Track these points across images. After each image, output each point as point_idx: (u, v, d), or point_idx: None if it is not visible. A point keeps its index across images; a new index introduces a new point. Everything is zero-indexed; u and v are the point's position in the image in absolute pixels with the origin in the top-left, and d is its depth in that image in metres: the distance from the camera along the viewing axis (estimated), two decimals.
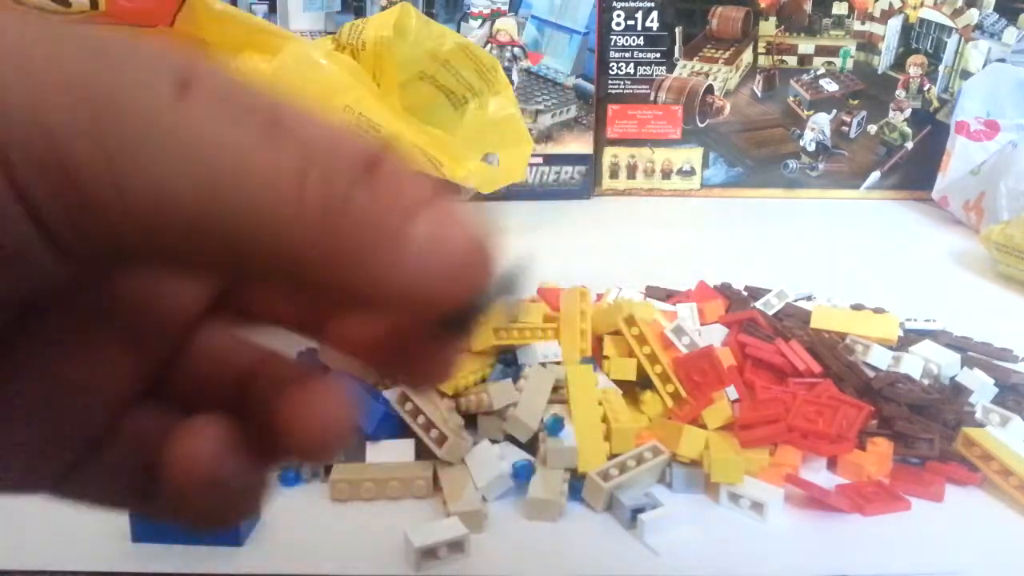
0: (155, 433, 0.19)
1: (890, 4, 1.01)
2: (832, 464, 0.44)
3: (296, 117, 0.16)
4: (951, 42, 1.01)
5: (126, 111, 0.14)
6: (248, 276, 0.16)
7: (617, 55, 1.01)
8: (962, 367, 0.52)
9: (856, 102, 1.03)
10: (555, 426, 0.42)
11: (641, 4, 1.00)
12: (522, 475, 0.41)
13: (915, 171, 1.04)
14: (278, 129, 0.16)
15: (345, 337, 0.20)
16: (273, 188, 0.15)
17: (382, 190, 0.16)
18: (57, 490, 0.19)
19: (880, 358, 0.51)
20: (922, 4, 1.01)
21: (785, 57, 1.02)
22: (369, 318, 0.19)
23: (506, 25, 0.99)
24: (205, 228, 0.14)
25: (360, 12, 0.96)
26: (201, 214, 0.14)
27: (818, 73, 1.03)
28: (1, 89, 0.13)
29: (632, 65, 1.02)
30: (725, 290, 0.63)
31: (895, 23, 1.01)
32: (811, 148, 1.04)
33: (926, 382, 0.50)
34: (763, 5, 1.01)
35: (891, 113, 1.03)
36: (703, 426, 0.45)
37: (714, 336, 0.54)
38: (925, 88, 1.03)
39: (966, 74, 1.02)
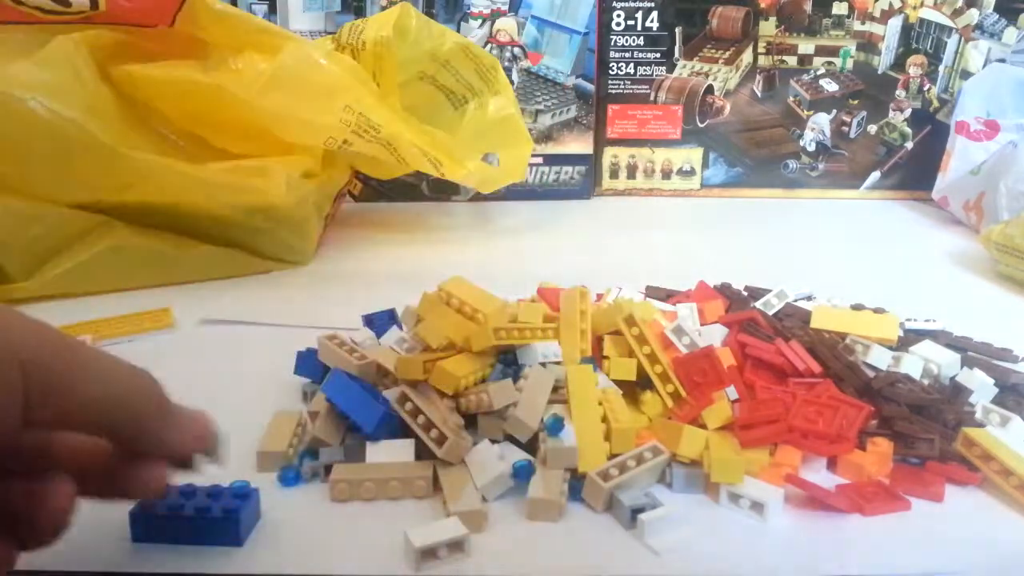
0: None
1: (890, 4, 1.01)
2: (832, 464, 0.44)
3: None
4: (951, 42, 1.01)
5: (75, 351, 0.30)
6: (113, 434, 0.32)
7: (617, 55, 1.01)
8: (962, 367, 0.52)
9: (856, 102, 1.03)
10: (555, 426, 0.42)
11: (641, 4, 1.00)
12: (522, 475, 0.41)
13: (915, 171, 1.04)
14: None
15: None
16: (144, 398, 0.32)
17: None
18: None
19: (880, 358, 0.51)
20: (922, 4, 1.01)
21: (785, 57, 1.02)
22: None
23: (506, 25, 0.99)
24: (107, 416, 0.31)
25: (360, 12, 0.96)
26: (108, 405, 0.31)
27: (818, 73, 1.03)
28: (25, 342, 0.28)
29: (632, 65, 1.02)
30: (725, 290, 0.63)
31: (895, 23, 1.01)
32: (811, 148, 1.04)
33: (926, 382, 0.50)
34: (763, 5, 1.01)
35: (891, 113, 1.03)
36: (703, 426, 0.45)
37: (714, 336, 0.54)
38: (925, 88, 1.03)
39: (966, 74, 1.02)
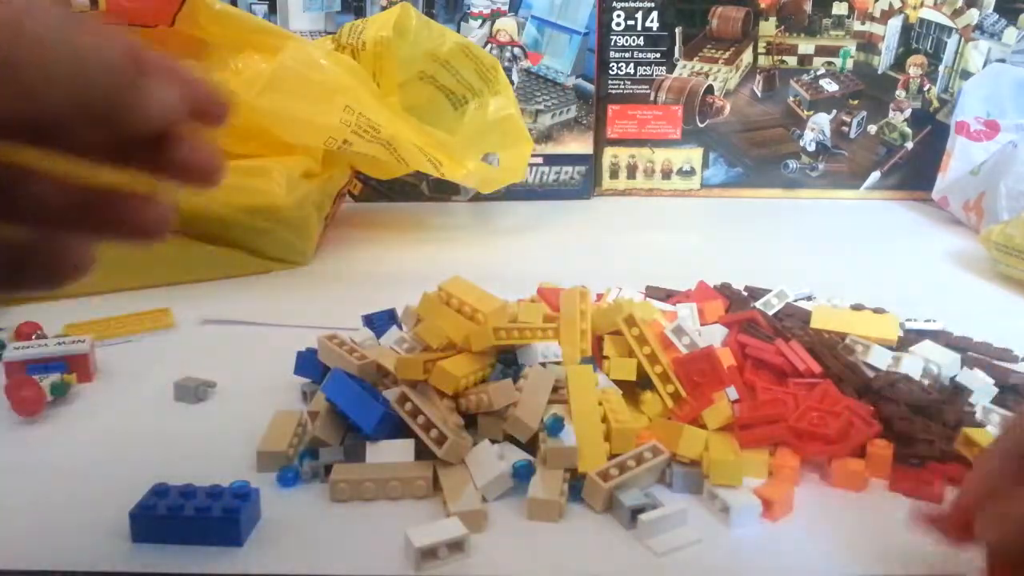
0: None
1: (890, 4, 1.01)
2: (826, 470, 0.44)
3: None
4: (951, 42, 1.01)
5: (26, 33, 0.24)
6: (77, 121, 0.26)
7: (617, 55, 1.01)
8: (962, 367, 0.52)
9: (856, 102, 1.03)
10: (555, 426, 0.42)
11: (641, 4, 1.00)
12: (522, 475, 0.41)
13: (915, 171, 1.04)
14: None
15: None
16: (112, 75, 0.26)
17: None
18: None
19: (880, 358, 0.51)
20: (922, 4, 1.01)
21: (785, 57, 1.02)
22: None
23: (506, 25, 0.99)
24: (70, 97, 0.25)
25: (360, 12, 0.96)
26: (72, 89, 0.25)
27: (818, 73, 1.03)
28: None
29: (632, 65, 1.02)
30: (725, 290, 0.63)
31: (895, 23, 1.01)
32: (811, 148, 1.04)
33: (926, 382, 0.50)
34: (763, 5, 1.01)
35: (891, 113, 1.03)
36: (703, 426, 0.45)
37: (714, 336, 0.54)
38: (925, 88, 1.03)
39: (966, 74, 1.02)
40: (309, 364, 0.51)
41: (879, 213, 1.01)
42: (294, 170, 0.74)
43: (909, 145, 1.04)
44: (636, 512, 0.39)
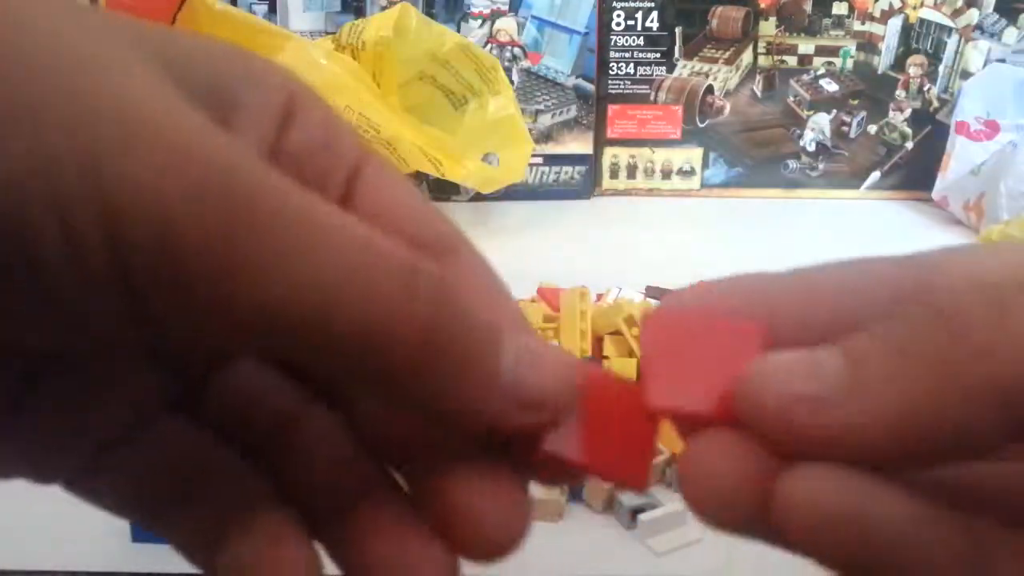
0: (181, 452, 0.19)
1: (890, 4, 1.01)
2: None
3: (379, 178, 0.18)
4: (951, 42, 1.01)
5: (239, 199, 0.13)
6: (332, 370, 0.16)
7: (617, 55, 1.01)
8: None
9: (856, 102, 1.03)
10: None
11: (641, 4, 1.00)
12: None
13: (915, 171, 1.04)
14: (365, 188, 0.18)
15: (308, 450, 0.19)
16: (382, 294, 0.14)
17: (471, 306, 0.16)
18: (71, 486, 0.19)
19: None
20: (922, 4, 1.01)
21: (785, 57, 1.02)
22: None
23: (506, 25, 0.99)
24: (307, 327, 0.14)
25: (360, 12, 0.96)
26: (308, 312, 0.14)
27: (818, 73, 1.03)
28: (131, 170, 0.13)
29: (632, 65, 1.02)
30: None
31: (895, 23, 1.01)
32: (811, 148, 1.04)
33: None
34: (763, 5, 1.01)
35: (891, 113, 1.03)
36: None
37: None
38: (925, 88, 1.03)
39: (966, 74, 1.02)
40: None
41: (879, 213, 1.01)
42: None
43: (909, 145, 1.04)
44: (636, 512, 0.39)
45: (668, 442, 0.43)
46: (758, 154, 1.05)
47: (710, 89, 1.03)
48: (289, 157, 0.17)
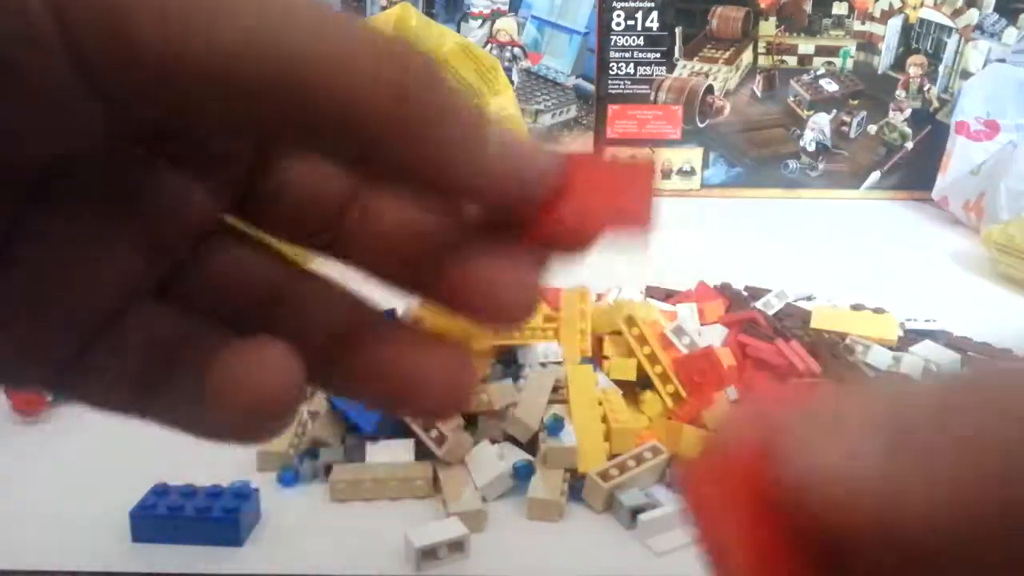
0: (166, 334, 0.18)
1: (890, 4, 1.01)
2: None
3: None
4: (951, 42, 1.01)
5: None
6: (309, 140, 0.15)
7: (617, 55, 1.01)
8: (962, 367, 0.52)
9: (856, 102, 1.03)
10: (555, 426, 0.42)
11: (641, 4, 1.00)
12: (522, 475, 0.41)
13: (915, 171, 1.04)
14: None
15: (371, 243, 0.19)
16: (355, 45, 0.14)
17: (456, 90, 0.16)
18: (54, 383, 0.18)
19: (880, 358, 0.51)
20: (922, 4, 1.01)
21: (785, 57, 1.02)
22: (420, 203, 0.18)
23: (506, 25, 0.99)
24: (276, 78, 0.14)
25: (360, 12, 0.96)
26: (274, 61, 0.14)
27: (818, 73, 1.03)
28: None
29: (632, 65, 1.02)
30: (725, 290, 0.63)
31: (895, 23, 1.01)
32: (811, 148, 1.04)
33: None
34: (763, 5, 1.01)
35: (891, 113, 1.03)
36: (703, 426, 0.45)
37: (714, 336, 0.54)
38: (925, 88, 1.03)
39: (966, 74, 1.02)
40: None
41: (879, 213, 1.01)
42: None
43: (909, 145, 1.04)
44: (636, 512, 0.39)
45: (668, 442, 0.43)
46: (758, 154, 1.05)
47: (710, 89, 1.03)
48: None
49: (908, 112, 1.03)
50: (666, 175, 1.05)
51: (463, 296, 0.18)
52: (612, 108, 1.03)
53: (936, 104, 1.03)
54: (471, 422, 0.45)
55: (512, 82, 0.96)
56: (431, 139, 0.15)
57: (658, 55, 1.01)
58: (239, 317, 0.19)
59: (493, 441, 0.44)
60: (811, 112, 1.03)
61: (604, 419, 0.44)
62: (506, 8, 0.98)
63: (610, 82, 1.02)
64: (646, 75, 1.02)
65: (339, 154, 0.16)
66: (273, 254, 0.20)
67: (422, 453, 0.42)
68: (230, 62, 0.13)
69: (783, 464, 0.14)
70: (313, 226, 0.19)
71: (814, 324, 0.56)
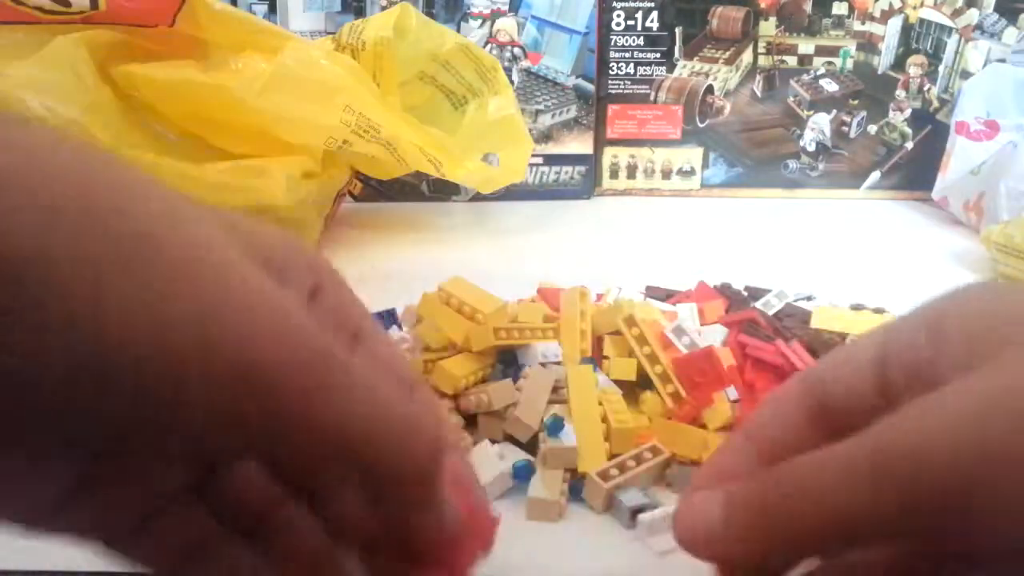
0: (192, 527, 0.22)
1: (890, 4, 1.01)
2: None
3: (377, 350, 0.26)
4: (951, 42, 1.01)
5: (321, 375, 0.20)
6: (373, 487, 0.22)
7: (617, 55, 1.01)
8: None
9: (856, 102, 1.03)
10: (555, 426, 0.42)
11: (641, 4, 1.00)
12: (522, 475, 0.41)
13: (915, 171, 1.04)
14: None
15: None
16: (416, 453, 0.22)
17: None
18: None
19: None
20: (922, 4, 1.01)
21: (785, 57, 1.02)
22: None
23: (506, 25, 0.99)
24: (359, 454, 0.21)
25: (360, 12, 0.96)
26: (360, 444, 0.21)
27: (818, 73, 1.03)
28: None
29: (632, 65, 1.02)
30: (725, 290, 0.63)
31: (895, 23, 1.01)
32: (811, 148, 1.04)
33: None
34: (763, 5, 1.01)
35: (891, 113, 1.03)
36: (703, 426, 0.45)
37: (714, 336, 0.54)
38: (925, 88, 1.03)
39: (966, 74, 1.02)
40: None
41: (879, 213, 1.01)
42: (294, 170, 0.74)
43: (909, 145, 1.04)
44: (636, 512, 0.39)
45: (668, 442, 0.43)
46: (758, 154, 1.05)
47: (710, 89, 1.03)
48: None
49: (908, 112, 1.03)
50: (666, 175, 1.05)
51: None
52: (612, 108, 1.03)
53: (936, 104, 1.03)
54: (471, 422, 0.45)
55: (512, 82, 0.96)
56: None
57: (658, 55, 1.01)
58: (251, 517, 0.23)
59: (493, 441, 0.44)
60: (811, 112, 1.03)
61: (604, 419, 0.44)
62: (506, 8, 0.98)
63: (610, 82, 1.02)
64: (646, 75, 1.02)
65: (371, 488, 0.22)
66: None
67: None
68: (350, 439, 0.21)
69: None
70: None
71: (814, 324, 0.56)
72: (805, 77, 1.03)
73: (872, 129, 1.04)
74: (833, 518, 0.21)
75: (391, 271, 0.77)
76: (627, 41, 1.01)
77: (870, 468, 0.20)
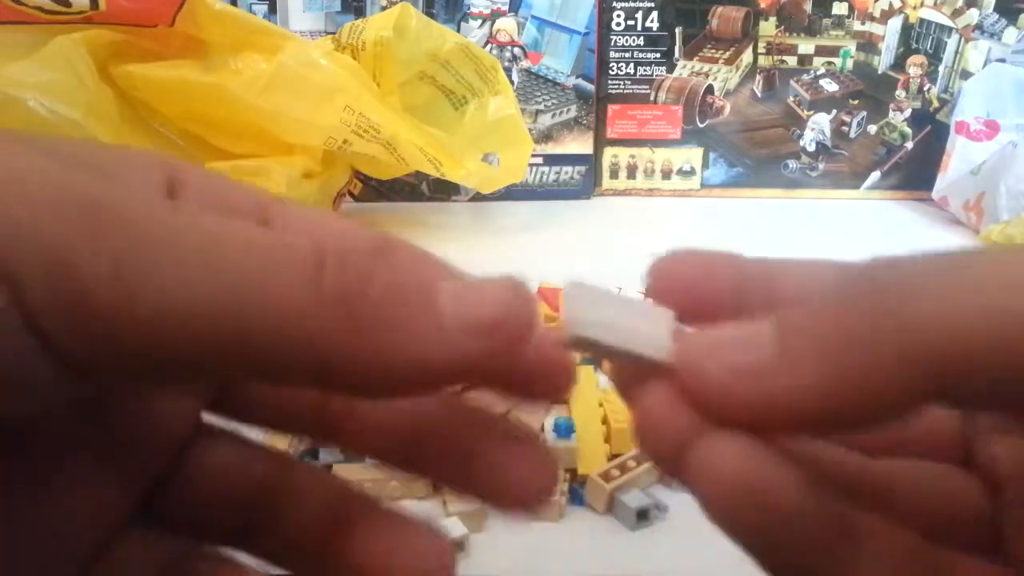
0: (163, 557, 0.19)
1: (890, 4, 1.01)
2: None
3: (290, 211, 0.18)
4: (951, 42, 1.01)
5: (126, 220, 0.14)
6: (267, 378, 0.16)
7: (617, 55, 1.01)
8: None
9: (856, 102, 1.03)
10: (565, 428, 0.42)
11: (641, 4, 1.00)
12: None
13: (915, 171, 1.04)
14: (277, 222, 0.18)
15: (364, 433, 0.20)
16: (288, 279, 0.15)
17: (399, 268, 0.16)
18: None
19: None
20: (922, 4, 1.01)
21: (785, 57, 1.02)
22: (392, 403, 0.19)
23: (506, 25, 0.99)
24: (218, 331, 0.14)
25: (360, 12, 0.96)
26: (214, 317, 0.14)
27: (818, 73, 1.03)
28: (3, 213, 0.13)
29: (632, 65, 1.02)
30: None
31: (895, 23, 1.01)
32: (811, 148, 1.04)
33: None
34: (763, 5, 1.01)
35: (891, 113, 1.03)
36: None
37: None
38: (925, 88, 1.03)
39: (966, 74, 1.02)
40: None
41: (879, 213, 1.01)
42: (294, 170, 0.74)
43: (909, 145, 1.04)
44: (641, 513, 0.39)
45: None
46: (758, 154, 1.05)
47: (710, 89, 1.03)
48: None
49: (908, 112, 1.03)
50: (666, 175, 1.05)
51: (484, 487, 0.20)
52: (612, 108, 1.03)
53: (936, 104, 1.03)
54: None
55: (512, 82, 0.96)
56: (382, 353, 0.15)
57: (658, 55, 1.01)
58: (237, 515, 0.19)
59: None
60: (811, 112, 1.03)
61: (604, 420, 0.44)
62: (506, 8, 0.98)
63: (610, 82, 1.02)
64: (646, 75, 1.02)
65: (298, 384, 0.16)
66: (258, 448, 0.20)
67: None
68: (181, 327, 0.14)
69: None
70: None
71: None
72: (805, 77, 1.03)
73: (872, 129, 1.04)
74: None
75: None
76: (627, 41, 1.01)
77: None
